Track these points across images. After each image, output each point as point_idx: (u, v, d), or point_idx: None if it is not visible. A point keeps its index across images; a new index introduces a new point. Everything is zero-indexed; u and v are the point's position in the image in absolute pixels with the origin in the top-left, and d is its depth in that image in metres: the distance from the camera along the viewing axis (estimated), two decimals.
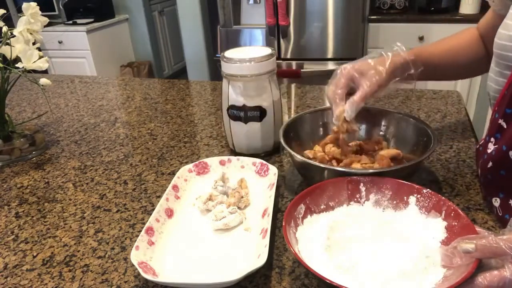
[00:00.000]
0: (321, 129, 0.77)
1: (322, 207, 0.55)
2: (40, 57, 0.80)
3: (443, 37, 0.74)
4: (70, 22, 3.45)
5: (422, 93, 1.10)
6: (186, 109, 1.12)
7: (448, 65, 0.72)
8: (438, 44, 0.72)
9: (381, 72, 0.62)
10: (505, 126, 0.52)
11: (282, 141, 0.66)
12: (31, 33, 0.81)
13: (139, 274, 0.52)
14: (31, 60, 0.79)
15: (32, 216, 0.68)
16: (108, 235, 0.61)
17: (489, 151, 0.56)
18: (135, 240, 0.53)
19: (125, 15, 3.78)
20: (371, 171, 0.57)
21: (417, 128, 0.69)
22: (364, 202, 0.56)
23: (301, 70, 2.31)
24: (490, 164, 0.55)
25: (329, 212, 0.55)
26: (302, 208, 0.53)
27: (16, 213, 0.69)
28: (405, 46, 0.65)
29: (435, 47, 0.71)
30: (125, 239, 0.60)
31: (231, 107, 0.77)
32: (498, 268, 0.38)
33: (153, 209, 0.61)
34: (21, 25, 0.79)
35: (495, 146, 0.54)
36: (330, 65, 2.28)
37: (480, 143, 0.63)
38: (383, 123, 0.75)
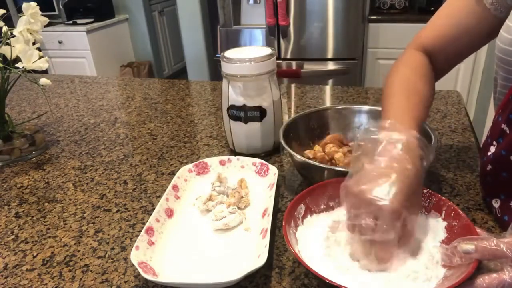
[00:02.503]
0: (321, 129, 0.77)
1: (322, 207, 0.55)
2: (40, 57, 0.80)
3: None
4: (70, 22, 3.45)
5: None
6: (186, 109, 1.12)
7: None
8: (415, 103, 0.56)
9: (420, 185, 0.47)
10: (508, 131, 0.52)
11: (282, 141, 0.66)
12: (31, 33, 0.81)
13: (139, 274, 0.52)
14: (31, 60, 0.79)
15: (32, 216, 0.68)
16: (108, 235, 0.61)
17: (489, 153, 0.56)
18: (135, 240, 0.53)
19: (125, 15, 3.78)
20: None
21: None
22: None
23: (301, 70, 2.31)
24: (489, 166, 0.55)
25: (329, 212, 0.55)
26: (302, 208, 0.53)
27: (16, 213, 0.69)
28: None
29: (417, 108, 0.55)
30: (125, 239, 0.60)
31: (231, 107, 0.77)
32: (497, 271, 0.38)
33: (153, 209, 0.61)
34: (21, 25, 0.79)
35: (495, 150, 0.54)
36: (330, 65, 2.28)
37: (482, 143, 0.62)
38: None
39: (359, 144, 0.48)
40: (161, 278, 0.50)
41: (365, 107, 0.77)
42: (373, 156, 0.46)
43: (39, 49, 0.81)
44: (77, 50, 3.39)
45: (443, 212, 0.50)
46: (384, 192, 0.42)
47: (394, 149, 0.45)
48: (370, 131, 0.49)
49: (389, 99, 0.57)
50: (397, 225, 0.42)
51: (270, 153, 0.82)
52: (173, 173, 0.77)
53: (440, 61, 0.66)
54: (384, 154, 0.45)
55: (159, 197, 0.69)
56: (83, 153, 0.89)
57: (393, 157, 0.44)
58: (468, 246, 0.39)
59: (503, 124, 0.53)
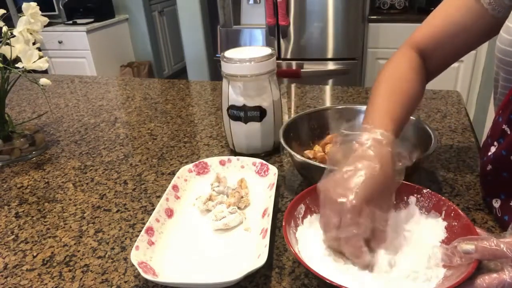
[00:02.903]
0: (321, 129, 0.77)
1: None
2: (40, 57, 0.80)
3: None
4: (70, 22, 3.45)
5: None
6: (186, 109, 1.12)
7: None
8: (400, 103, 0.56)
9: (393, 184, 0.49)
10: (508, 132, 0.52)
11: (282, 141, 0.66)
12: (31, 33, 0.81)
13: (139, 274, 0.52)
14: (31, 60, 0.79)
15: (32, 216, 0.68)
16: (108, 235, 0.61)
17: (489, 153, 0.56)
18: (135, 240, 0.53)
19: (125, 15, 3.78)
20: None
21: (417, 128, 0.69)
22: None
23: (301, 70, 2.31)
24: (489, 167, 0.55)
25: None
26: (302, 208, 0.53)
27: (16, 213, 0.69)
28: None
29: (400, 109, 0.56)
30: (125, 239, 0.60)
31: (231, 107, 0.77)
32: (497, 271, 0.38)
33: (153, 209, 0.61)
34: (21, 25, 0.79)
35: (495, 150, 0.54)
36: (330, 65, 2.28)
37: (482, 143, 0.62)
38: None
39: (338, 144, 0.51)
40: (161, 278, 0.50)
41: (365, 107, 0.76)
42: (348, 157, 0.48)
43: (39, 49, 0.81)
44: (77, 50, 3.39)
45: (443, 212, 0.50)
46: (347, 190, 0.44)
47: (365, 149, 0.47)
48: (348, 133, 0.51)
49: (372, 100, 0.58)
50: (360, 221, 0.44)
51: (270, 153, 0.82)
52: (173, 173, 0.77)
53: (436, 59, 0.65)
54: (356, 155, 0.47)
55: (159, 197, 0.69)
56: (83, 153, 0.89)
57: (362, 156, 0.47)
58: (468, 246, 0.39)
59: (503, 125, 0.53)
